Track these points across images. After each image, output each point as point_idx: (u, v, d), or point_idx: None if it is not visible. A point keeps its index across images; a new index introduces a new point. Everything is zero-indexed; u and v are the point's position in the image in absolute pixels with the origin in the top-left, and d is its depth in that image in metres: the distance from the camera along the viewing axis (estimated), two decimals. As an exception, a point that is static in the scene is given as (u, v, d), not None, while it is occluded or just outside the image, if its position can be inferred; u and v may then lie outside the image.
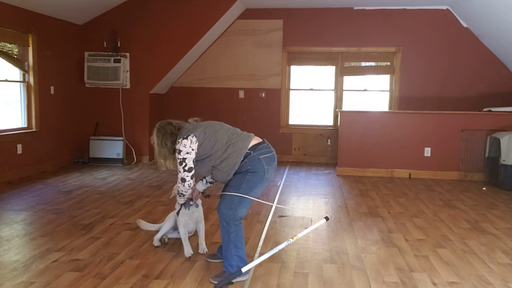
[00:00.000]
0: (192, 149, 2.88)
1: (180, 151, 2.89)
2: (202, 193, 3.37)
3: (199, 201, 3.51)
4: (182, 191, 3.06)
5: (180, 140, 2.90)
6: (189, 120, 3.15)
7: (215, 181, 3.24)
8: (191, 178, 2.95)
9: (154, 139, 3.02)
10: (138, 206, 4.83)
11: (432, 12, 7.64)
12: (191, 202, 3.34)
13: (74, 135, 7.46)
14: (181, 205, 3.35)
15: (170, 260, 3.32)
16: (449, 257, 3.49)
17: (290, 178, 6.64)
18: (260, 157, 2.89)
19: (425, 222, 4.46)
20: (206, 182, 3.29)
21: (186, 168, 2.90)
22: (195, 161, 2.93)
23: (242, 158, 2.88)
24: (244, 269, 2.89)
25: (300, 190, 5.85)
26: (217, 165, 2.92)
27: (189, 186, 3.00)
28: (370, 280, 3.04)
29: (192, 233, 3.74)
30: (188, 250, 3.42)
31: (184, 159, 2.89)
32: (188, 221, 3.51)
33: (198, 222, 3.56)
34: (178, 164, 2.93)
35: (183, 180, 2.95)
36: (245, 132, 3.07)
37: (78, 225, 4.11)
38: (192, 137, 2.89)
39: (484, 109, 6.96)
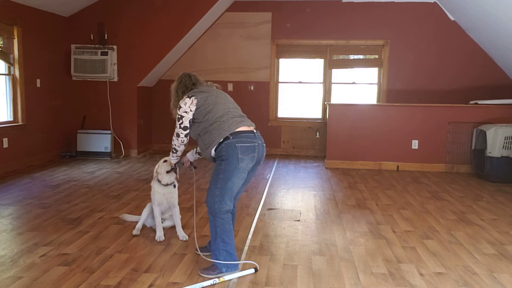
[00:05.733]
0: (190, 110, 3.00)
1: (180, 108, 3.02)
2: (191, 163, 3.45)
3: (176, 183, 3.67)
4: (175, 145, 3.17)
5: (184, 97, 3.04)
6: (208, 82, 3.26)
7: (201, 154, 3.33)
8: (185, 136, 3.07)
9: (174, 83, 3.23)
10: (127, 200, 4.81)
11: (420, 5, 7.68)
12: (181, 164, 3.45)
13: (61, 128, 7.38)
14: (158, 180, 3.58)
15: (159, 253, 3.32)
16: (436, 248, 3.54)
17: (279, 171, 6.66)
18: (236, 144, 2.87)
19: (413, 214, 4.51)
20: (196, 152, 3.38)
21: (182, 126, 3.04)
22: (191, 122, 3.04)
23: (221, 140, 2.89)
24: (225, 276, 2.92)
25: (289, 183, 5.87)
26: (202, 134, 3.01)
27: (182, 142, 3.11)
28: (358, 271, 3.07)
29: (166, 217, 3.82)
30: (160, 235, 3.59)
31: (181, 116, 3.01)
32: (163, 199, 3.62)
33: (172, 205, 3.69)
34: (176, 119, 3.07)
35: (178, 135, 3.08)
36: (243, 117, 3.06)
37: (66, 219, 4.08)
38: (195, 99, 3.00)
39: (471, 102, 7.03)
